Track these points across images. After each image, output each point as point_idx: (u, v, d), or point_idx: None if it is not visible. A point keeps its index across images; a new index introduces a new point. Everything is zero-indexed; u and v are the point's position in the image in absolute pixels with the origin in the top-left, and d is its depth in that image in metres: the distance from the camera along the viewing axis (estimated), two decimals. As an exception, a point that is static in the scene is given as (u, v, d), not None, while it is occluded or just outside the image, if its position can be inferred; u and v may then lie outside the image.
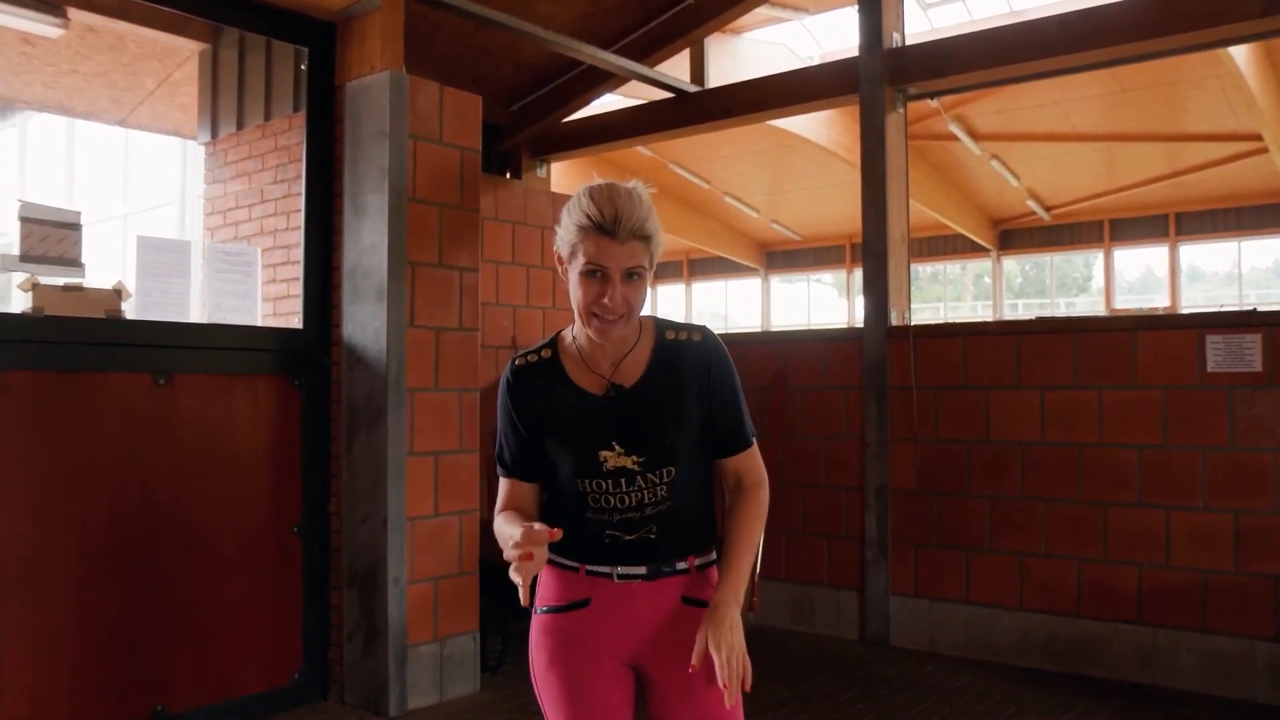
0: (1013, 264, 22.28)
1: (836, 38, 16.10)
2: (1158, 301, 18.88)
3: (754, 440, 1.93)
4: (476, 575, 4.35)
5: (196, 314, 4.62)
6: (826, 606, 5.39)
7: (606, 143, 6.77)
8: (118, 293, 3.77)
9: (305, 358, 4.20)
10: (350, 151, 4.19)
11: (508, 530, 1.81)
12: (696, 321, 2.19)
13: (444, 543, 4.21)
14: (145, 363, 3.70)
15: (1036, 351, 4.76)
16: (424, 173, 4.19)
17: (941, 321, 17.53)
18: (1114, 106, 14.61)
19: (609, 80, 6.36)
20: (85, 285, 3.72)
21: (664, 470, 1.82)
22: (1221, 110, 14.17)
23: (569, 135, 6.83)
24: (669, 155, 17.40)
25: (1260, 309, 4.45)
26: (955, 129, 15.32)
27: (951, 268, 23.37)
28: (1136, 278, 20.65)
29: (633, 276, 1.73)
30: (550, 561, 1.89)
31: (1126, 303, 19.39)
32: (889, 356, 5.17)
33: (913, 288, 5.60)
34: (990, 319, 19.65)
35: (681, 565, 1.86)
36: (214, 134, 5.54)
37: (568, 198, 1.84)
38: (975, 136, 15.92)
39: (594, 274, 1.71)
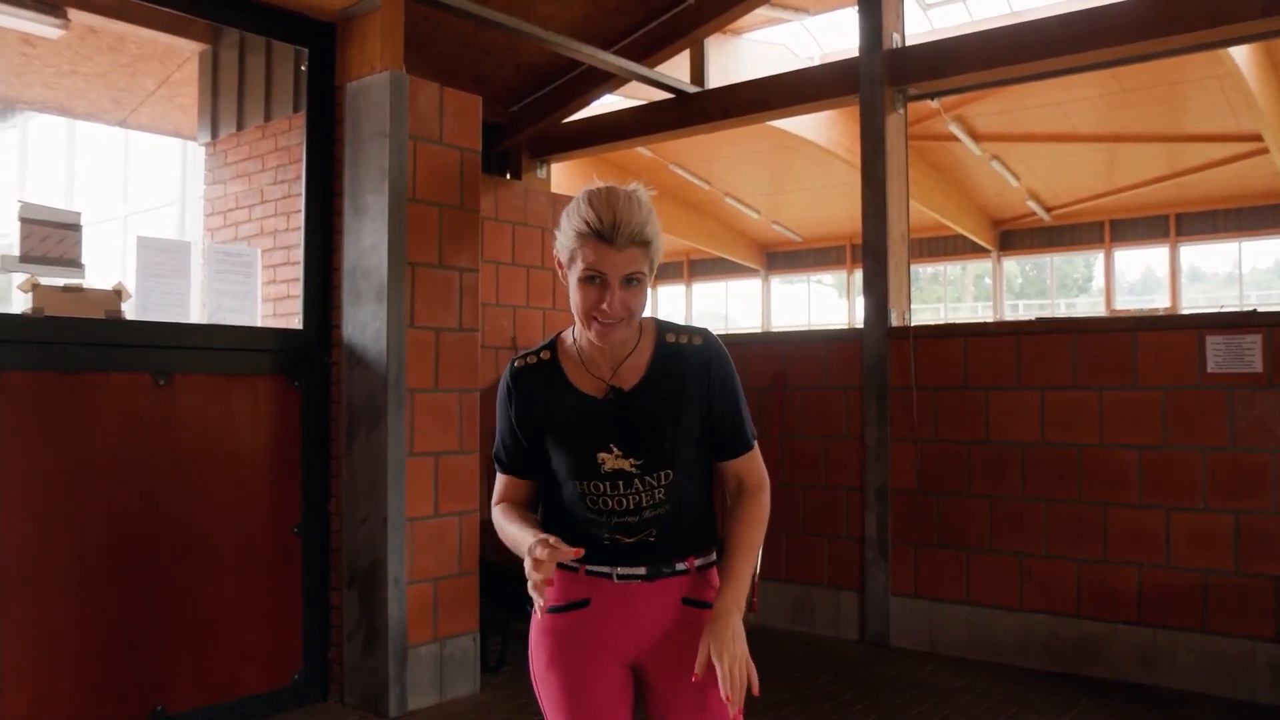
0: (1013, 265, 22.28)
1: (837, 38, 16.11)
2: (1158, 302, 18.87)
3: (755, 443, 1.93)
4: (476, 575, 4.35)
5: (196, 314, 4.62)
6: (826, 607, 5.38)
7: (607, 143, 6.78)
8: (118, 293, 3.77)
9: (305, 358, 4.20)
10: (350, 152, 4.19)
11: (516, 532, 1.82)
12: (697, 323, 2.19)
13: (444, 543, 4.21)
14: (145, 363, 3.70)
15: (1037, 352, 4.76)
16: (424, 173, 4.19)
17: (942, 322, 17.55)
18: (1114, 107, 14.61)
19: (609, 81, 6.36)
20: (85, 286, 3.72)
21: (662, 473, 1.82)
22: (1222, 111, 14.16)
23: (569, 136, 6.83)
24: (669, 156, 17.40)
25: (1260, 309, 4.45)
26: (955, 129, 15.32)
27: (952, 268, 23.37)
28: (1137, 278, 20.65)
29: (632, 282, 1.73)
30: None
31: (1127, 303, 19.39)
32: (889, 357, 5.17)
33: (913, 288, 5.60)
34: (990, 319, 19.66)
35: (681, 566, 1.86)
36: (214, 135, 5.54)
37: (568, 199, 1.85)
38: (975, 137, 15.92)
39: (593, 280, 1.71)
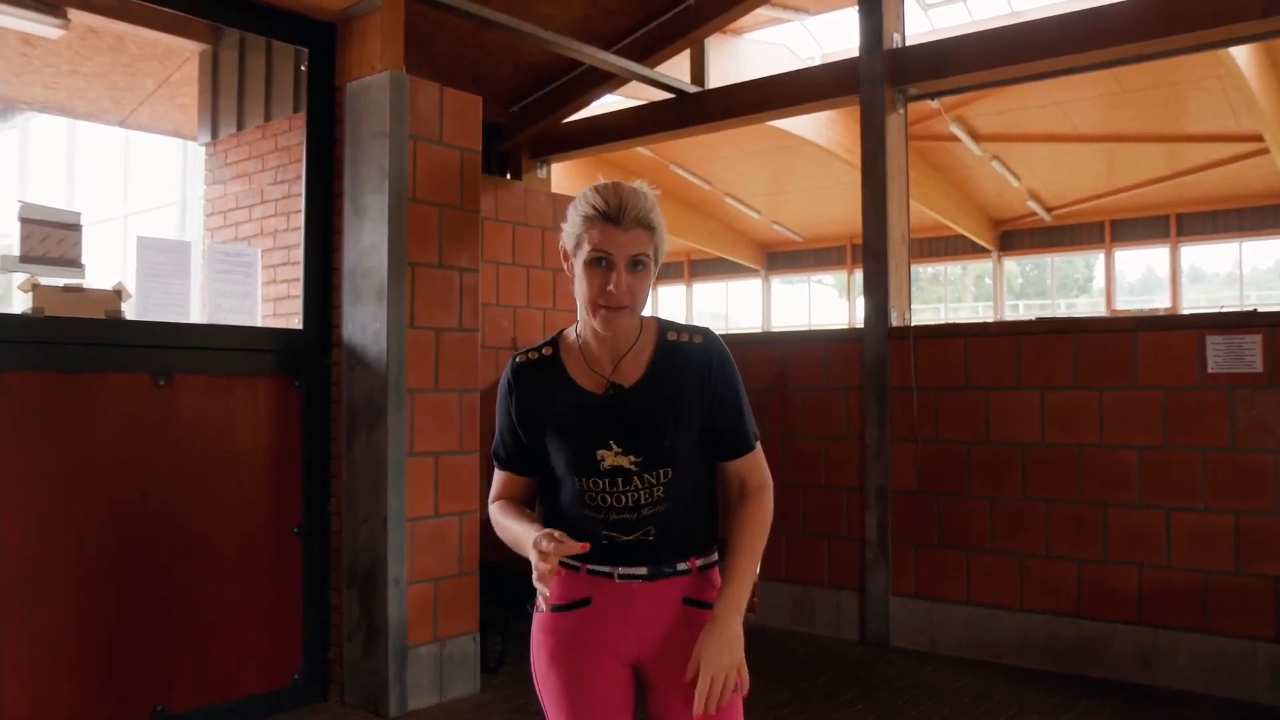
0: (1013, 265, 22.27)
1: (837, 38, 16.10)
2: (1159, 302, 18.86)
3: (757, 443, 1.92)
4: (476, 575, 4.35)
5: (196, 314, 4.62)
6: (827, 607, 5.38)
7: (607, 143, 6.77)
8: (118, 293, 3.77)
9: (305, 358, 4.20)
10: (350, 152, 4.19)
11: (517, 528, 1.82)
12: (698, 323, 2.20)
13: (444, 543, 4.21)
14: (145, 363, 3.70)
15: (1037, 352, 4.76)
16: (424, 173, 4.19)
17: (942, 322, 17.53)
18: (1115, 107, 14.61)
19: (609, 81, 6.36)
20: (85, 286, 3.72)
21: (661, 471, 1.82)
22: (1222, 111, 14.16)
23: (569, 136, 6.83)
24: (669, 156, 17.41)
25: (1261, 310, 4.45)
26: (956, 130, 15.32)
27: (952, 268, 23.37)
28: (1137, 279, 20.64)
29: (637, 266, 1.74)
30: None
31: (1127, 304, 19.38)
32: (889, 357, 5.17)
33: (913, 288, 5.59)
34: (991, 320, 19.65)
35: (683, 566, 1.86)
36: (214, 135, 5.54)
37: (568, 199, 1.86)
38: (976, 137, 15.92)
39: (599, 262, 1.73)
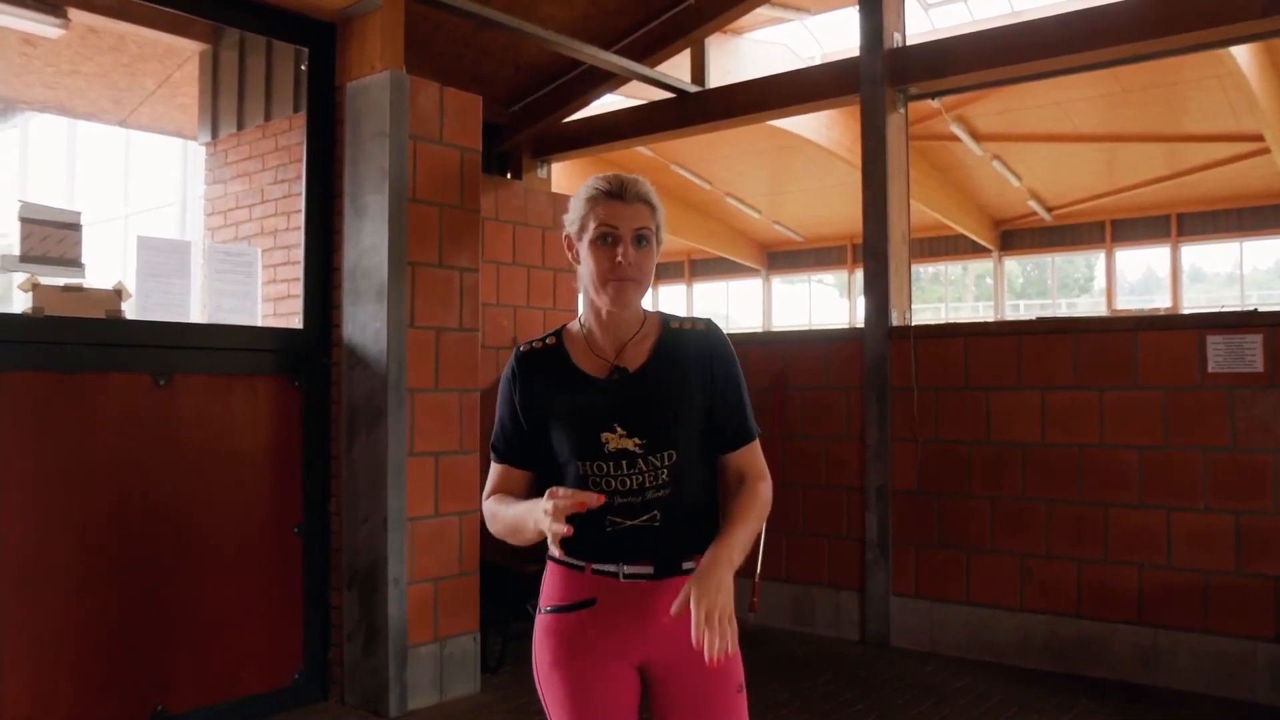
0: (1014, 264, 22.26)
1: (837, 38, 16.10)
2: (1159, 302, 18.85)
3: (757, 436, 1.94)
4: (477, 575, 4.35)
5: (197, 314, 4.62)
6: (827, 607, 5.38)
7: (607, 143, 6.77)
8: (118, 293, 3.77)
9: (305, 358, 4.20)
10: (350, 152, 4.19)
11: (518, 510, 1.82)
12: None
13: (444, 543, 4.21)
14: (145, 363, 3.70)
15: (1037, 352, 4.76)
16: (424, 173, 4.19)
17: (942, 322, 17.53)
18: (1115, 107, 14.60)
19: (610, 80, 6.36)
20: (85, 285, 3.72)
21: (665, 454, 1.82)
22: (1223, 111, 14.15)
23: (569, 135, 6.83)
24: (670, 156, 17.40)
25: (1261, 309, 4.44)
26: (956, 129, 15.31)
27: (953, 268, 23.36)
28: (1138, 278, 20.64)
29: (642, 241, 1.81)
30: (555, 560, 1.89)
31: (1128, 303, 19.37)
32: (890, 357, 5.17)
33: (914, 288, 5.60)
34: (991, 319, 19.64)
35: (688, 565, 1.86)
36: (214, 134, 5.54)
37: (569, 198, 1.89)
38: (976, 137, 15.91)
39: (606, 238, 1.79)
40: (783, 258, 23.87)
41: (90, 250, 3.90)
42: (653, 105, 6.59)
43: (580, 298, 1.94)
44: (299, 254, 4.34)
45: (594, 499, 1.68)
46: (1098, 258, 20.72)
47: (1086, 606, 4.58)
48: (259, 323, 4.52)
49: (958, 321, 17.39)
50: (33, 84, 6.04)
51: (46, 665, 3.39)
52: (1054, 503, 4.67)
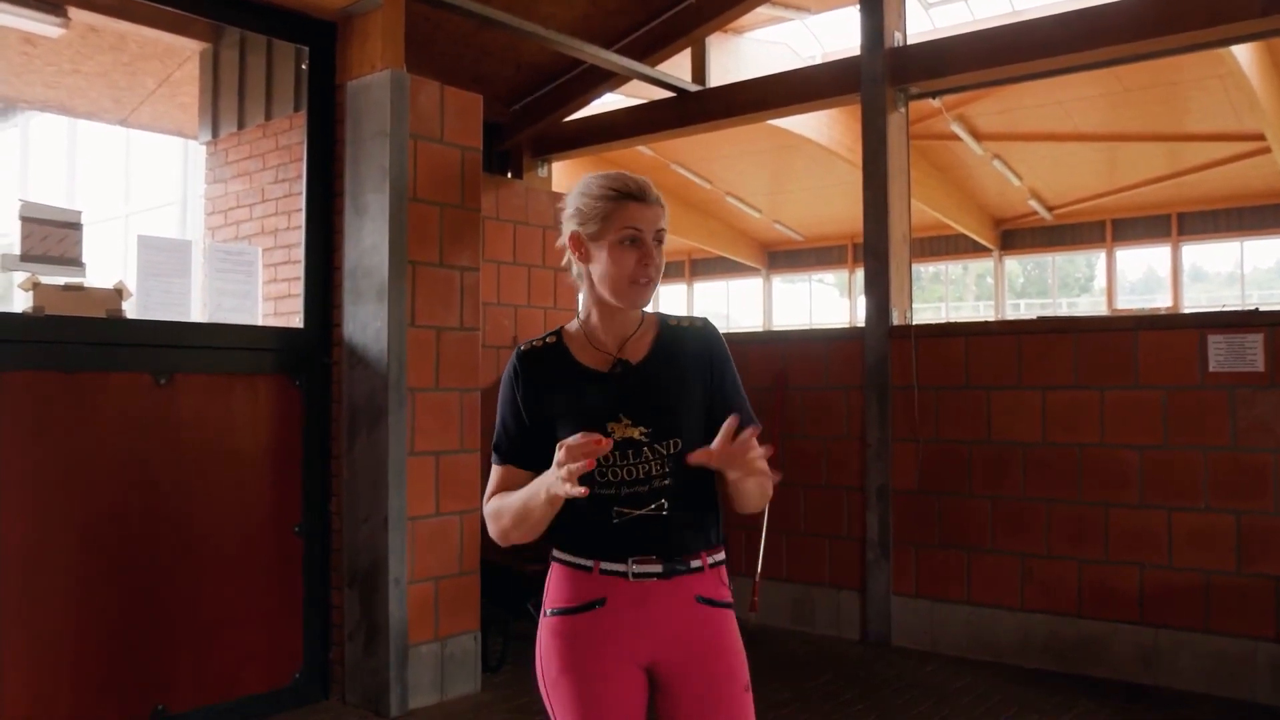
0: (1014, 264, 22.25)
1: (838, 37, 16.09)
2: (1160, 302, 18.85)
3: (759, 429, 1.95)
4: (477, 575, 4.35)
5: (197, 313, 4.62)
6: (827, 607, 5.38)
7: (608, 142, 6.77)
8: (119, 292, 3.77)
9: (306, 357, 4.20)
10: (351, 151, 4.19)
11: (523, 493, 1.80)
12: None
13: (445, 542, 4.21)
14: (146, 362, 3.70)
15: (1038, 351, 4.76)
16: (425, 172, 4.18)
17: (943, 321, 17.53)
18: (1116, 106, 14.59)
19: (610, 80, 6.36)
20: (86, 285, 3.72)
21: (671, 441, 1.84)
22: (1224, 110, 14.14)
23: (570, 135, 6.83)
24: (670, 155, 17.39)
25: (1262, 309, 4.44)
26: (957, 128, 15.30)
27: (953, 268, 23.35)
28: (1139, 278, 20.63)
29: (658, 241, 1.85)
30: (561, 561, 1.89)
31: (1129, 303, 19.36)
32: (890, 356, 5.16)
33: (914, 288, 5.59)
34: (992, 319, 19.63)
35: (695, 563, 1.86)
36: (215, 133, 5.54)
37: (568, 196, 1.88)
38: (977, 136, 15.90)
39: (633, 241, 1.82)
40: (783, 257, 23.86)
41: (91, 249, 3.89)
42: (653, 104, 6.59)
43: (580, 295, 1.94)
44: (300, 253, 4.34)
45: (604, 442, 1.63)
46: (1098, 257, 20.71)
47: (1087, 606, 4.57)
48: (260, 322, 4.52)
49: (958, 321, 17.39)
50: (33, 83, 6.04)
51: (46, 665, 3.39)
52: (1055, 502, 4.67)
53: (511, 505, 1.85)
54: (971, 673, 4.64)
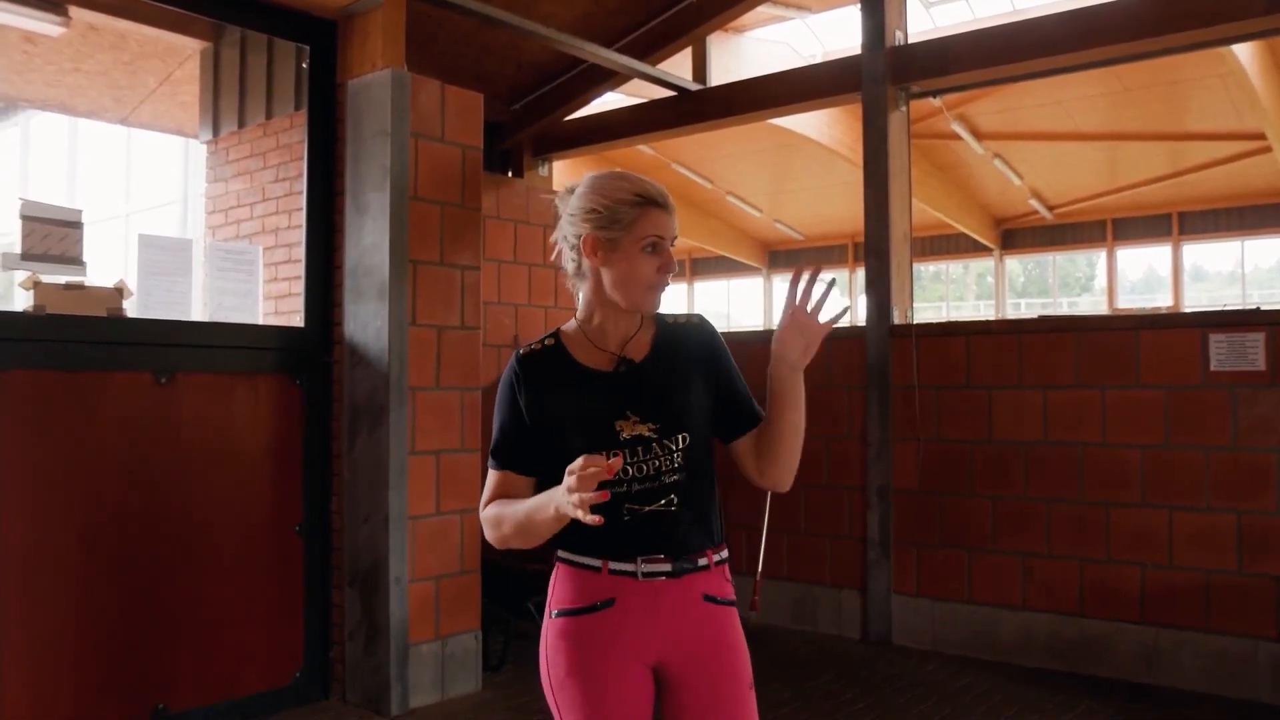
0: (1015, 263, 22.25)
1: (839, 36, 16.09)
2: (1160, 301, 18.85)
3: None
4: (478, 574, 4.35)
5: (198, 313, 4.61)
6: (829, 606, 5.38)
7: (608, 141, 6.77)
8: (119, 291, 3.77)
9: (307, 356, 4.20)
10: (352, 150, 4.19)
11: (527, 504, 1.78)
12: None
13: (446, 541, 4.21)
14: (147, 361, 3.69)
15: (1039, 351, 4.75)
16: (425, 171, 4.18)
17: (944, 321, 17.51)
18: (1116, 106, 14.58)
19: (611, 79, 6.35)
20: (87, 284, 3.72)
21: (679, 436, 1.84)
22: (1225, 109, 14.13)
23: (571, 134, 6.82)
24: (671, 154, 17.39)
25: (1263, 308, 4.44)
26: (958, 128, 15.29)
27: (954, 267, 23.35)
28: (1139, 277, 20.63)
29: (672, 245, 1.89)
30: (568, 562, 1.87)
31: (1129, 302, 19.36)
32: (891, 356, 5.16)
33: (915, 287, 5.59)
34: (993, 318, 19.63)
35: (703, 561, 1.86)
36: (216, 132, 5.54)
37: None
38: (978, 135, 15.90)
39: (655, 248, 1.84)
40: (784, 256, 23.85)
41: (92, 248, 3.89)
42: (654, 104, 6.59)
43: (581, 296, 1.93)
44: (300, 252, 4.34)
45: (614, 463, 1.63)
46: (1099, 256, 20.71)
47: (1088, 606, 4.57)
48: (260, 321, 4.52)
49: (959, 320, 17.39)
50: (34, 82, 6.03)
51: (47, 664, 3.39)
52: (1056, 502, 4.67)
53: (514, 515, 1.82)
54: (973, 672, 4.63)
